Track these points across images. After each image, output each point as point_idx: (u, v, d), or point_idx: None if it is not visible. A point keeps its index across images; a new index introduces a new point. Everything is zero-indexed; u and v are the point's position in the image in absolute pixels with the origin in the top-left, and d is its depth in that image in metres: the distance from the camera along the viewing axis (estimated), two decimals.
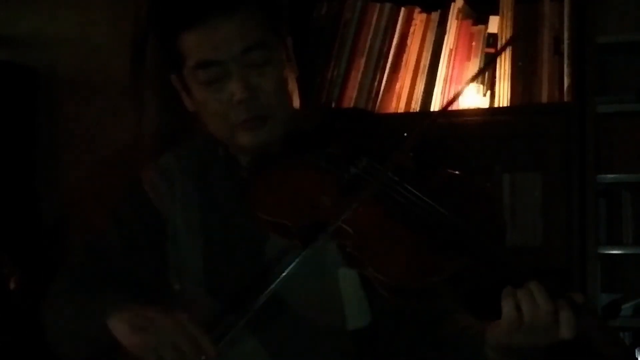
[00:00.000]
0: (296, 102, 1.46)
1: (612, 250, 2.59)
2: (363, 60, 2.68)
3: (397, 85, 2.64)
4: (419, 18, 2.67)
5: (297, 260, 1.23)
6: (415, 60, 2.64)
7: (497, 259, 1.19)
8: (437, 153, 1.35)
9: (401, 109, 2.63)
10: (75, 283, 1.47)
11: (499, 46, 2.57)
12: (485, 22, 2.62)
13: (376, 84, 2.66)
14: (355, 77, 2.67)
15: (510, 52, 2.55)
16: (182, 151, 1.55)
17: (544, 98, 2.50)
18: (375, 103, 2.64)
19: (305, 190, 1.35)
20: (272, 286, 1.23)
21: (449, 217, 1.24)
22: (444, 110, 1.19)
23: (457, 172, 1.36)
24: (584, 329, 1.11)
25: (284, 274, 1.23)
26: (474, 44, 2.61)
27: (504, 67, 2.55)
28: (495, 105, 2.55)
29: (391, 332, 1.40)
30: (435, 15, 2.66)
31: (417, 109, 2.61)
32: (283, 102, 1.41)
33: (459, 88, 1.15)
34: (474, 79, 1.37)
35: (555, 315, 1.13)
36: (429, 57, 2.63)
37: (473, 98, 2.55)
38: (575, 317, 1.12)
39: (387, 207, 1.28)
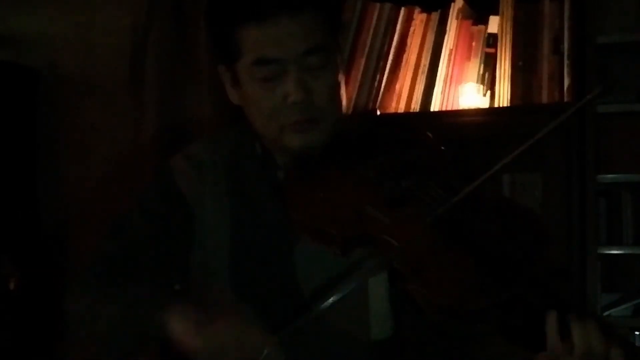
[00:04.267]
0: (344, 107, 1.45)
1: (612, 250, 2.59)
2: (363, 60, 2.67)
3: (397, 85, 2.64)
4: (419, 18, 2.67)
5: (352, 285, 1.20)
6: (415, 60, 2.64)
7: (546, 290, 1.16)
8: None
9: (401, 109, 2.63)
10: (111, 276, 1.42)
11: (499, 46, 2.57)
12: (485, 22, 2.62)
13: (376, 84, 2.66)
14: (355, 77, 2.67)
15: (510, 52, 2.55)
16: (215, 142, 1.53)
17: (544, 98, 2.50)
18: (375, 103, 2.64)
19: (351, 199, 1.32)
20: (331, 300, 1.21)
21: (501, 242, 1.21)
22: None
23: (507, 197, 1.33)
24: None
25: (336, 297, 1.21)
26: (474, 44, 2.61)
27: (504, 67, 2.55)
28: (495, 105, 2.55)
29: (415, 345, 1.37)
30: (435, 15, 2.66)
31: (417, 109, 2.61)
32: (334, 106, 1.41)
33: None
34: None
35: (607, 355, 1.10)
36: (429, 57, 2.63)
37: (473, 98, 2.55)
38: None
39: (435, 224, 1.24)
